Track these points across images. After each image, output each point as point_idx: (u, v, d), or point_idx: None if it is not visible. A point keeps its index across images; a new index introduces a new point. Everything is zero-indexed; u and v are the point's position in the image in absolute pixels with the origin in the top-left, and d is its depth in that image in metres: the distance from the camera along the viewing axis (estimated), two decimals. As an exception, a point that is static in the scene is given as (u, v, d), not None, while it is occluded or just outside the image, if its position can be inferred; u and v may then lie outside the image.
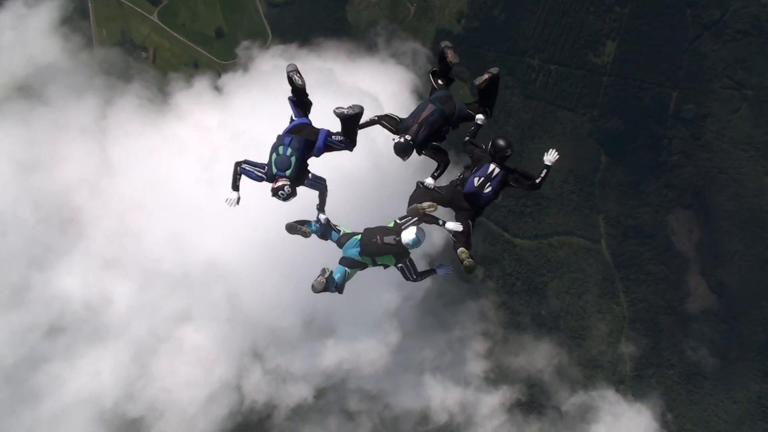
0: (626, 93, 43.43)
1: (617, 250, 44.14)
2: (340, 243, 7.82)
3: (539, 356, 45.40)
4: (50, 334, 36.49)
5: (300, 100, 7.69)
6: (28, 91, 39.54)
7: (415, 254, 7.61)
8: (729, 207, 41.64)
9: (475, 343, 45.60)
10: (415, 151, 7.44)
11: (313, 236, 8.04)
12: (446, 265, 7.94)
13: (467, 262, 7.16)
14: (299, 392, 42.29)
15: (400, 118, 7.69)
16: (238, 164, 7.48)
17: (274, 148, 7.34)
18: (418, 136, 7.36)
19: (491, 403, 44.85)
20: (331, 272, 7.45)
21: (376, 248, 7.40)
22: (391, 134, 7.63)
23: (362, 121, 7.59)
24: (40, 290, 36.36)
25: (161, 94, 42.36)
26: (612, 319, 44.16)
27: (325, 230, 7.93)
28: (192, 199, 36.32)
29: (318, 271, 7.38)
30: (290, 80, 7.52)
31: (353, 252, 7.58)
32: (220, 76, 43.21)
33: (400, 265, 7.55)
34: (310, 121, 7.66)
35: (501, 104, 45.68)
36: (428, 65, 44.18)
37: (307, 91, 7.71)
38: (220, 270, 37.42)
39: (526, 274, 44.91)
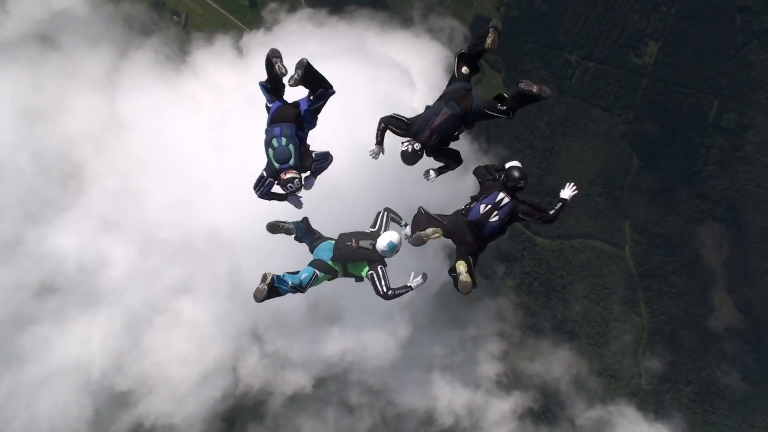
0: (665, 97, 41.81)
1: (642, 259, 42.50)
2: (313, 246, 7.51)
3: (557, 363, 42.95)
4: (40, 294, 33.77)
5: (274, 87, 7.14)
6: (42, 36, 36.86)
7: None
8: (763, 223, 40.10)
9: (490, 343, 43.24)
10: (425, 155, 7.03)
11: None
12: (421, 274, 7.16)
13: (463, 277, 6.61)
14: (297, 380, 39.98)
15: (408, 119, 7.14)
16: (258, 195, 7.30)
17: (268, 143, 6.97)
18: (429, 143, 6.92)
19: (501, 408, 42.46)
20: (274, 278, 6.95)
21: (350, 252, 7.09)
22: (400, 138, 7.11)
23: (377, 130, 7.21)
24: (33, 246, 33.90)
25: (180, 52, 40.04)
26: (631, 329, 42.48)
27: (305, 232, 7.62)
28: (201, 164, 33.96)
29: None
30: (269, 66, 6.91)
31: (325, 255, 7.26)
32: (242, 37, 41.08)
33: (371, 272, 7.05)
34: (285, 100, 7.19)
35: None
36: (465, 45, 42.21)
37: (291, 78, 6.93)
38: (223, 242, 34.98)
39: (545, 275, 43.15)
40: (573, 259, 42.95)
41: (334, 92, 7.21)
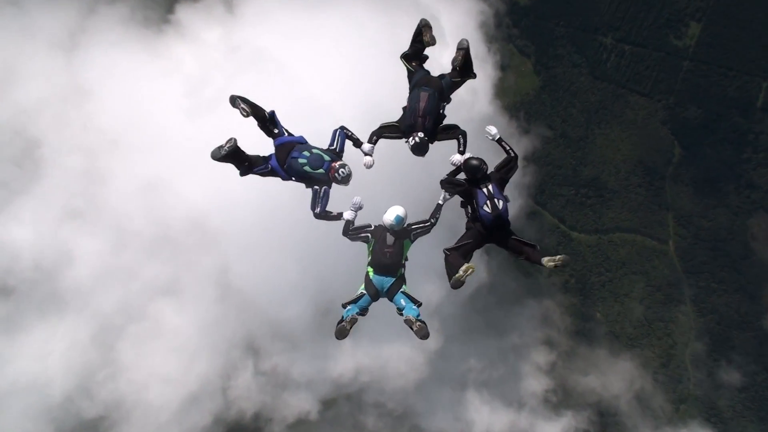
0: (709, 80, 39.05)
1: (687, 254, 39.46)
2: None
3: (616, 376, 36.74)
4: (-12, 297, 27.35)
5: (264, 126, 7.51)
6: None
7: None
8: (821, 213, 37.00)
9: (535, 353, 37.28)
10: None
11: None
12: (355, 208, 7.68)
13: (460, 272, 7.09)
14: (301, 403, 33.93)
15: (396, 122, 7.64)
16: (318, 217, 7.60)
17: (298, 170, 7.31)
18: (426, 127, 7.40)
19: (550, 432, 35.81)
20: (355, 319, 7.48)
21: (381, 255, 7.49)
22: (401, 139, 7.63)
23: (366, 142, 7.76)
24: (-21, 239, 27.51)
25: (159, 8, 33.50)
26: (676, 330, 39.30)
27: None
28: (181, 139, 28.16)
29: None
30: (233, 106, 7.31)
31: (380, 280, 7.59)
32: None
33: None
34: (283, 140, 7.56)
35: (566, 84, 41.64)
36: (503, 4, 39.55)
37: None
38: (209, 234, 29.47)
39: (581, 272, 40.26)
40: (612, 254, 40.06)
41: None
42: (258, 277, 29.61)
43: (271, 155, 7.53)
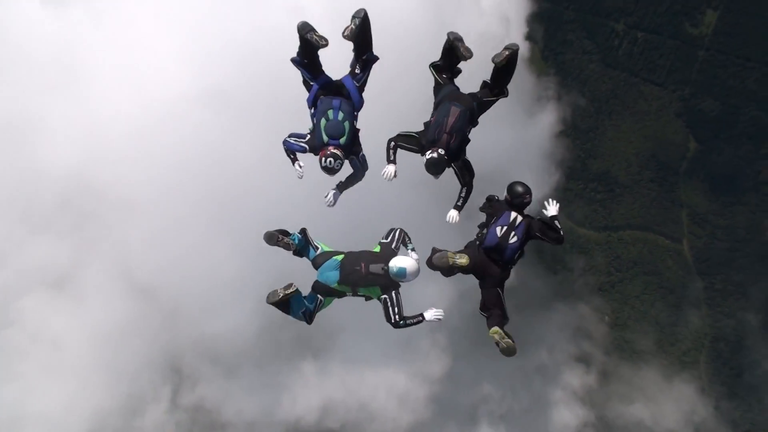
0: (726, 71, 37.04)
1: (702, 254, 37.13)
2: (317, 263, 6.84)
3: (669, 404, 29.17)
4: None
5: (311, 62, 6.64)
6: None
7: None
8: None
9: (566, 375, 29.48)
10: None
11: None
12: (440, 310, 6.85)
13: (504, 343, 6.53)
14: None
15: (417, 133, 6.92)
16: (284, 143, 6.73)
17: (322, 113, 6.56)
18: (451, 147, 6.69)
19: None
20: (298, 290, 6.59)
21: (360, 278, 6.59)
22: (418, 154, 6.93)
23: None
24: None
25: None
26: (689, 335, 36.71)
27: (304, 244, 6.90)
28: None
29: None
30: (305, 41, 6.40)
31: (331, 277, 6.67)
32: None
33: (384, 296, 6.60)
34: (329, 77, 6.75)
35: (576, 71, 39.35)
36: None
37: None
38: (107, 202, 20.31)
39: (590, 272, 37.56)
40: (622, 253, 37.51)
41: (378, 58, 6.83)
42: (179, 270, 20.59)
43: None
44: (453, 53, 6.84)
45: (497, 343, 6.56)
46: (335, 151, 6.39)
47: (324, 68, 6.83)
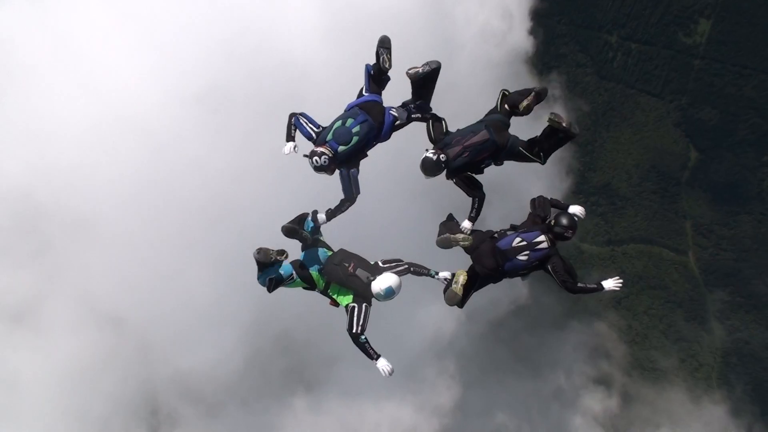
0: (723, 79, 36.66)
1: (709, 265, 36.23)
2: (306, 247, 6.68)
3: (697, 426, 26.87)
4: None
5: (378, 77, 6.64)
6: None
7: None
8: None
9: (586, 399, 27.25)
10: (445, 174, 6.48)
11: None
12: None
13: (456, 288, 6.50)
14: None
15: (446, 130, 6.76)
16: (292, 115, 6.55)
17: (344, 117, 6.46)
18: (456, 160, 6.42)
19: None
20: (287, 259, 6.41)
21: (342, 275, 6.42)
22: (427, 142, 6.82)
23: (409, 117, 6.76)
24: None
25: None
26: (700, 350, 35.57)
27: (314, 230, 6.74)
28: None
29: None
30: (376, 55, 6.51)
31: (314, 263, 6.55)
32: None
33: (352, 305, 6.32)
34: (381, 99, 6.68)
35: (572, 84, 38.95)
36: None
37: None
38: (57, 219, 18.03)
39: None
40: (627, 267, 36.56)
41: (430, 111, 6.72)
42: (150, 298, 17.90)
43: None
44: (522, 101, 6.61)
45: (451, 283, 6.58)
46: (325, 150, 6.21)
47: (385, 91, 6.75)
